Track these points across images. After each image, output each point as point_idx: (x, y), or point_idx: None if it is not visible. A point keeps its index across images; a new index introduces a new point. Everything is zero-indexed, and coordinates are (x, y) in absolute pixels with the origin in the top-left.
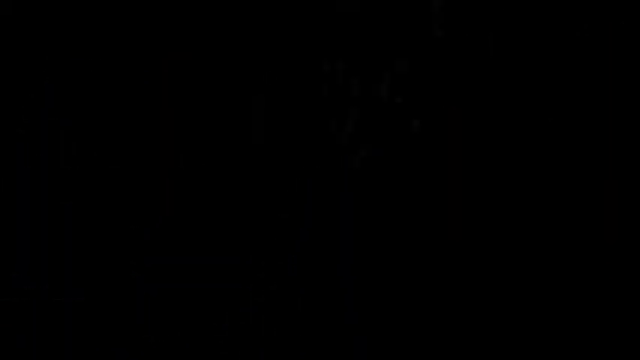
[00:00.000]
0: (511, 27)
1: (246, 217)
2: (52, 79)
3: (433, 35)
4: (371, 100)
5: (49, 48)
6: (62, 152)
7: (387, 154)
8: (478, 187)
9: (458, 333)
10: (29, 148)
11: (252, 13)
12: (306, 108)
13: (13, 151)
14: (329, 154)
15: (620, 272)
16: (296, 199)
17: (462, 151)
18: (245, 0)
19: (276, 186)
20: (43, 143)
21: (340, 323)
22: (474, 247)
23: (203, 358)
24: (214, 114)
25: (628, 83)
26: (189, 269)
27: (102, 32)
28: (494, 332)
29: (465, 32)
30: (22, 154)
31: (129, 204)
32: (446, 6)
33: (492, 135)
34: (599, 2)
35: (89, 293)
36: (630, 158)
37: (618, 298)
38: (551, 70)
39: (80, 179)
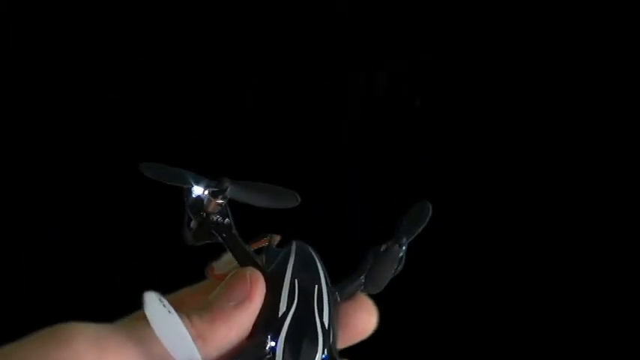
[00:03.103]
0: (511, 29)
1: (246, 217)
2: (51, 79)
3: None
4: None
5: (49, 48)
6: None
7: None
8: (476, 186)
9: (457, 333)
10: (31, 149)
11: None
12: (306, 106)
13: (13, 151)
14: (330, 152)
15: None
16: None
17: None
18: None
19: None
20: (44, 143)
21: None
22: (474, 246)
23: None
24: (213, 113)
25: (628, 83)
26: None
27: (102, 32)
28: (493, 332)
29: (464, 35)
30: (24, 155)
31: (129, 204)
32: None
33: (491, 136)
34: (599, 2)
35: (89, 293)
36: (630, 158)
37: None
38: (551, 71)
39: (80, 179)
